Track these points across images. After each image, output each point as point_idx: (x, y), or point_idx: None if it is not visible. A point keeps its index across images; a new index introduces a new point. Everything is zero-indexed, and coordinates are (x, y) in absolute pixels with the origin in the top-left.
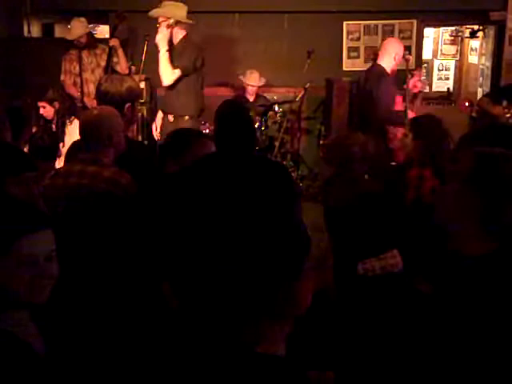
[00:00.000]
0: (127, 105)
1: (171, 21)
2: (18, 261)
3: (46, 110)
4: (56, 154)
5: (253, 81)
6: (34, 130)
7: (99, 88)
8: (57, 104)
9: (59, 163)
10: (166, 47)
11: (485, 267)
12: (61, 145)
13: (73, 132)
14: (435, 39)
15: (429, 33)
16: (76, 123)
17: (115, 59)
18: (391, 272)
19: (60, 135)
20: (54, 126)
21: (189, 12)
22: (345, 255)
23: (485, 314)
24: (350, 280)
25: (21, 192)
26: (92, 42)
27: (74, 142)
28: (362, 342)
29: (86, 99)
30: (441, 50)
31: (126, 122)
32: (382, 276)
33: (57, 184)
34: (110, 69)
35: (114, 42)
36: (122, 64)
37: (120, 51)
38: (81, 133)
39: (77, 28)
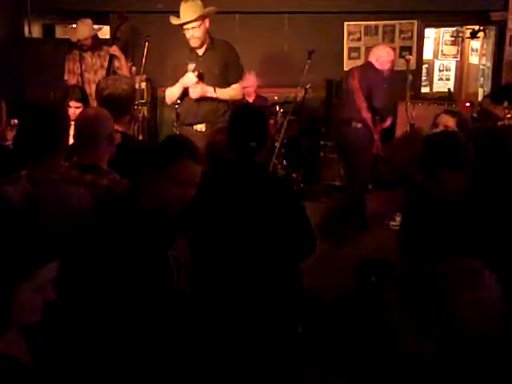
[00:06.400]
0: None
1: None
2: (36, 287)
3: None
4: None
5: (247, 82)
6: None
7: (102, 91)
8: None
9: None
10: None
11: None
12: None
13: None
14: (436, 39)
15: (429, 33)
16: None
17: (117, 64)
18: None
19: None
20: None
21: None
22: None
23: None
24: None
25: (17, 194)
26: (96, 44)
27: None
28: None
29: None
30: (441, 51)
31: (130, 121)
32: None
33: None
34: (112, 72)
35: (114, 51)
36: (123, 70)
37: (121, 57)
38: (78, 132)
39: (82, 30)
